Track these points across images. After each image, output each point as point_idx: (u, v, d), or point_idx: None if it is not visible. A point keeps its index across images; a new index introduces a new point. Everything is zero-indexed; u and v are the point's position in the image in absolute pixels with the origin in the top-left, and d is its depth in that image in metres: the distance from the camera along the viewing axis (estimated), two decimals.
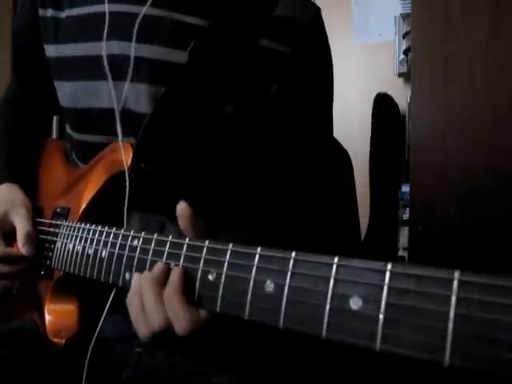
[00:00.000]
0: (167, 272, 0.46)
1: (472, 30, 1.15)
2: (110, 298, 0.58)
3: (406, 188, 1.70)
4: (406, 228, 1.56)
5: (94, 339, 0.59)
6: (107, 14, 0.67)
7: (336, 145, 0.84)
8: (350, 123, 1.91)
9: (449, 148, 1.17)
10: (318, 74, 0.73)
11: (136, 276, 0.48)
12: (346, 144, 0.97)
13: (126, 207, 0.60)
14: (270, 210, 0.70)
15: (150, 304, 0.45)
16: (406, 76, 1.96)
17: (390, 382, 0.98)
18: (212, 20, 0.67)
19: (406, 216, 1.69)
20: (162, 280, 0.46)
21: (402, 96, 1.89)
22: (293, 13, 0.69)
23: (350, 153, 1.02)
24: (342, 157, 0.97)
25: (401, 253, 1.74)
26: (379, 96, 1.87)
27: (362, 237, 1.61)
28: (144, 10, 0.66)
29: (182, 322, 0.43)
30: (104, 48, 0.66)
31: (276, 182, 0.70)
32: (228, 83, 0.65)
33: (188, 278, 0.44)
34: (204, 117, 0.64)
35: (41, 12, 0.73)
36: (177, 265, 0.45)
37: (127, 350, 0.66)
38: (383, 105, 1.85)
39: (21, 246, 0.66)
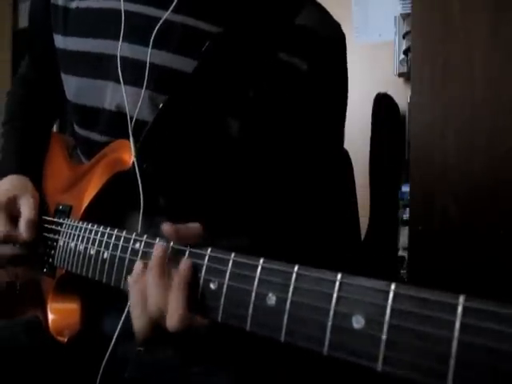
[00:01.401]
0: (174, 259, 0.46)
1: (472, 29, 1.15)
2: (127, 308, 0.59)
3: (406, 188, 1.70)
4: (406, 228, 1.56)
5: (112, 343, 0.59)
6: (123, 13, 0.65)
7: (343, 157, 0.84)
8: (350, 123, 1.90)
9: (448, 148, 1.17)
10: (333, 92, 0.71)
11: (138, 262, 0.48)
12: (346, 144, 0.97)
13: (141, 210, 0.60)
14: (271, 216, 0.69)
15: (153, 287, 0.45)
16: (406, 76, 1.95)
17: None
18: (228, 27, 0.64)
19: (406, 216, 1.69)
20: (167, 263, 0.46)
21: (402, 96, 1.89)
22: (316, 25, 0.67)
23: (350, 153, 1.02)
24: (342, 157, 0.97)
25: (401, 253, 1.74)
26: (379, 96, 1.88)
27: (362, 237, 1.61)
28: (166, 15, 0.63)
29: (175, 315, 0.43)
30: (119, 49, 0.64)
31: (279, 190, 0.69)
32: (237, 96, 0.63)
33: (193, 275, 0.44)
34: (207, 129, 0.63)
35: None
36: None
37: (129, 349, 0.66)
38: (383, 105, 1.86)
39: (22, 230, 0.68)
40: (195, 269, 0.44)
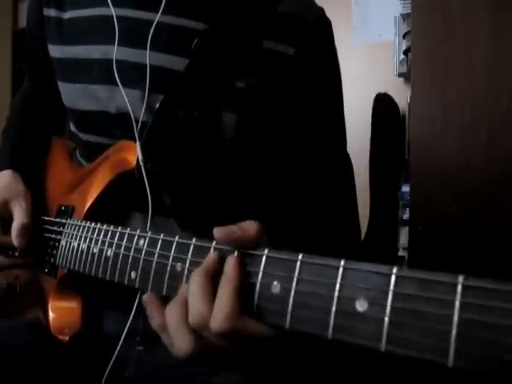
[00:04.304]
0: (219, 262, 0.41)
1: (472, 29, 1.15)
2: (136, 303, 0.59)
3: (406, 188, 1.70)
4: (406, 228, 1.56)
5: (120, 343, 0.59)
6: (115, 19, 0.66)
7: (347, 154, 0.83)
8: (350, 123, 1.90)
9: (448, 148, 1.18)
10: (324, 76, 0.71)
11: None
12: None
13: (150, 210, 0.60)
14: (275, 214, 0.69)
15: (195, 296, 0.40)
16: (406, 76, 1.96)
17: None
18: (213, 23, 0.66)
19: (406, 216, 1.69)
20: (214, 270, 0.41)
21: (402, 96, 1.89)
22: (298, 10, 0.68)
23: (350, 153, 1.02)
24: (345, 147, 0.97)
25: (401, 253, 1.74)
26: (379, 96, 1.87)
27: (362, 237, 1.61)
28: (157, 17, 0.65)
29: (220, 316, 0.38)
30: (114, 53, 0.65)
31: (282, 182, 0.69)
32: (229, 90, 0.64)
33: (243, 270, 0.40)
34: (205, 125, 0.64)
35: (45, 11, 0.73)
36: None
37: (128, 348, 0.66)
38: (383, 105, 1.85)
39: (13, 237, 0.66)
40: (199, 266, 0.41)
